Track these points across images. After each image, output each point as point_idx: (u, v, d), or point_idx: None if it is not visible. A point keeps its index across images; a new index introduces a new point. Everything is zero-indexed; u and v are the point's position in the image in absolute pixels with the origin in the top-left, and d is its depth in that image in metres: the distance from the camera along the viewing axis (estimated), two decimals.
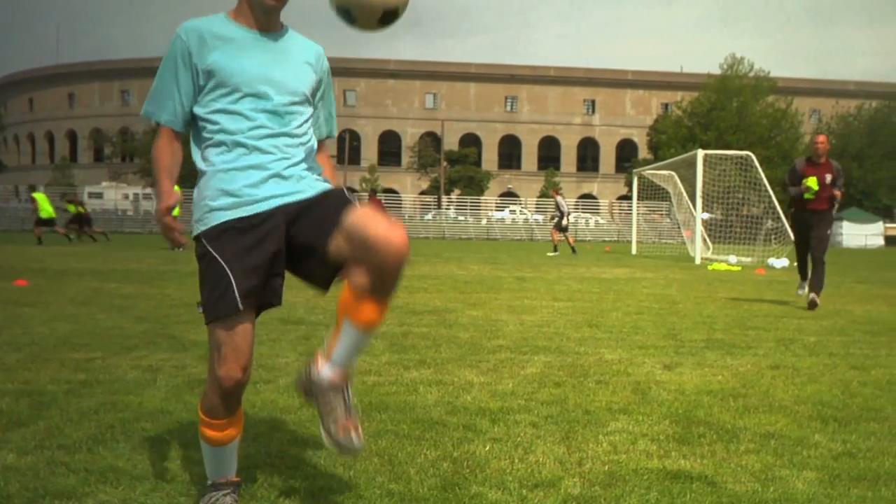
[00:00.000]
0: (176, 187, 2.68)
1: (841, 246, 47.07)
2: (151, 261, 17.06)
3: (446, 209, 66.29)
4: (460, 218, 63.21)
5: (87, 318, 7.35)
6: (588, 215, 66.12)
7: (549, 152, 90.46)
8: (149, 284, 11.06)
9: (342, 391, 2.53)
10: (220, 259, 2.51)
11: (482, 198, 70.87)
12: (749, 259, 22.27)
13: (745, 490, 3.00)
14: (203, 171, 2.64)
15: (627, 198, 56.78)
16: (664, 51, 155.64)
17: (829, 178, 9.71)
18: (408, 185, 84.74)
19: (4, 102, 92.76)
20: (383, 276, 2.42)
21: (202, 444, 2.70)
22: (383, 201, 46.95)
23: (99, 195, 59.74)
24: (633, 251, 29.88)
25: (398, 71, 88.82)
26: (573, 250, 25.80)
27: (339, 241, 2.48)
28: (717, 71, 66.12)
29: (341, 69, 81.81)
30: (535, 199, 72.16)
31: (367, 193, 38.00)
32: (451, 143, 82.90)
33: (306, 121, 2.73)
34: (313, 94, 2.78)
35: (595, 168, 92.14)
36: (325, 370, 2.53)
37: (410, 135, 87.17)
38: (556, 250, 25.30)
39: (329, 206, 2.56)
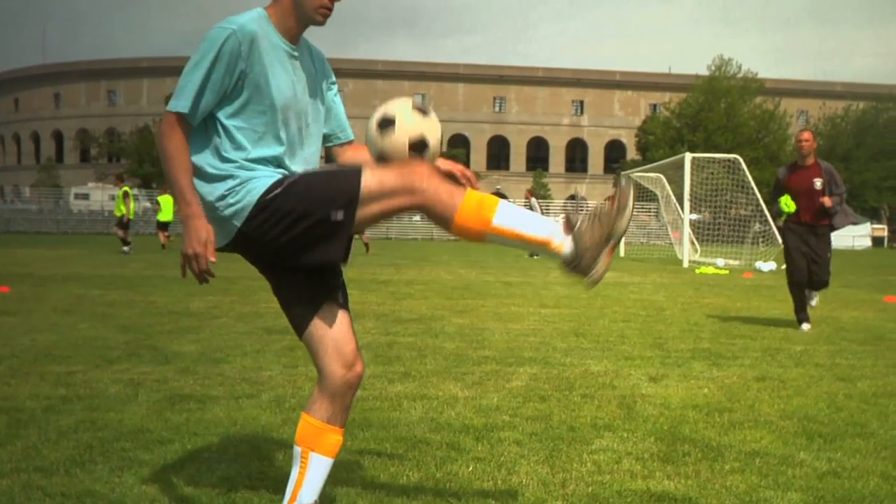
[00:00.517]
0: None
1: None
2: (136, 265, 16.96)
3: None
4: None
5: (70, 329, 7.28)
6: None
7: (537, 153, 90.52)
8: (133, 290, 10.98)
9: None
10: (305, 195, 2.37)
11: None
12: (737, 262, 22.34)
13: None
14: (214, 173, 2.43)
15: None
16: (652, 52, 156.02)
17: (818, 183, 8.20)
18: None
19: None
20: (342, 405, 2.52)
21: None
22: None
23: (85, 196, 59.38)
24: (622, 253, 29.93)
25: (386, 71, 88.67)
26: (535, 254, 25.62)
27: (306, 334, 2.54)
28: (704, 72, 66.36)
29: None
30: (524, 200, 72.18)
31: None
32: None
33: (319, 141, 2.68)
34: (328, 109, 2.72)
35: (584, 169, 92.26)
36: None
37: None
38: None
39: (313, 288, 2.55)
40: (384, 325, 7.85)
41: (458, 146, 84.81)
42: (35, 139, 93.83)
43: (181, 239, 2.34)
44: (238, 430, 3.94)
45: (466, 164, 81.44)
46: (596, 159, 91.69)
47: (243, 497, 3.05)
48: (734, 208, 27.82)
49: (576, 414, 4.42)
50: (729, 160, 24.55)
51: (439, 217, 2.38)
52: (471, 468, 3.43)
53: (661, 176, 28.50)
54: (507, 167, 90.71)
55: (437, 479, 3.29)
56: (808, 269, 8.26)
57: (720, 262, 22.01)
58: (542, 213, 17.95)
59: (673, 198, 27.39)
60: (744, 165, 22.97)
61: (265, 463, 3.47)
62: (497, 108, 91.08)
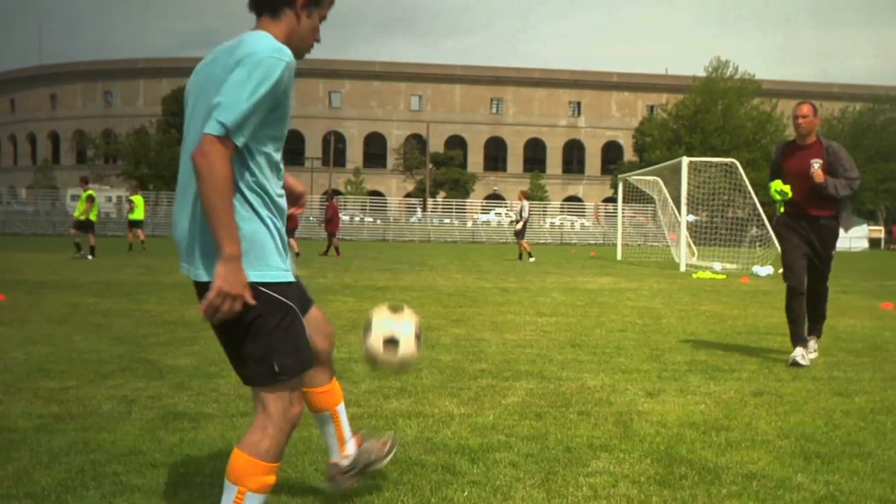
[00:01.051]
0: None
1: None
2: (131, 270, 16.91)
3: (432, 211, 66.25)
4: (445, 220, 63.22)
5: (64, 340, 7.24)
6: (574, 218, 66.27)
7: (534, 154, 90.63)
8: (128, 298, 10.93)
9: None
10: (299, 313, 2.53)
11: (468, 200, 70.89)
12: (734, 266, 22.32)
13: None
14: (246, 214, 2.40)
15: (613, 199, 56.84)
16: (649, 53, 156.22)
17: (815, 165, 6.67)
18: (393, 187, 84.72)
19: None
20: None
21: (258, 498, 2.53)
22: (340, 206, 46.19)
23: None
24: (619, 256, 29.93)
25: (383, 72, 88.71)
26: (521, 256, 25.51)
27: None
28: (702, 73, 66.47)
29: (326, 70, 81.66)
30: (517, 200, 72.16)
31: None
32: (436, 145, 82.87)
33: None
34: None
35: (581, 170, 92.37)
36: None
37: (396, 137, 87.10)
38: (531, 256, 25.18)
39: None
40: None
41: (454, 148, 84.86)
42: (31, 140, 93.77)
43: (220, 277, 2.28)
44: (231, 450, 3.89)
45: (463, 165, 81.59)
46: (593, 160, 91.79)
47: None
48: (731, 209, 27.84)
49: (572, 433, 4.39)
50: (726, 164, 24.55)
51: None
52: (466, 493, 3.40)
53: (658, 179, 28.50)
54: (504, 168, 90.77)
55: None
56: (807, 271, 6.84)
57: (717, 266, 22.00)
58: (528, 218, 17.69)
59: (670, 200, 27.39)
60: (741, 169, 22.98)
61: None
62: (494, 110, 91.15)
